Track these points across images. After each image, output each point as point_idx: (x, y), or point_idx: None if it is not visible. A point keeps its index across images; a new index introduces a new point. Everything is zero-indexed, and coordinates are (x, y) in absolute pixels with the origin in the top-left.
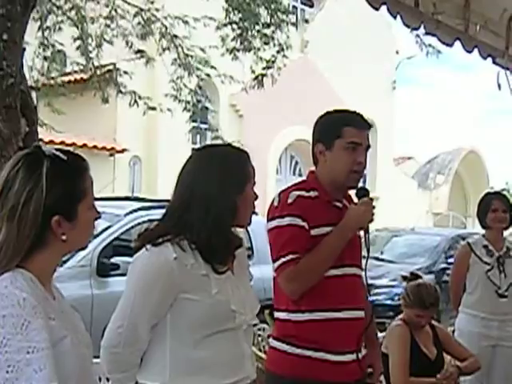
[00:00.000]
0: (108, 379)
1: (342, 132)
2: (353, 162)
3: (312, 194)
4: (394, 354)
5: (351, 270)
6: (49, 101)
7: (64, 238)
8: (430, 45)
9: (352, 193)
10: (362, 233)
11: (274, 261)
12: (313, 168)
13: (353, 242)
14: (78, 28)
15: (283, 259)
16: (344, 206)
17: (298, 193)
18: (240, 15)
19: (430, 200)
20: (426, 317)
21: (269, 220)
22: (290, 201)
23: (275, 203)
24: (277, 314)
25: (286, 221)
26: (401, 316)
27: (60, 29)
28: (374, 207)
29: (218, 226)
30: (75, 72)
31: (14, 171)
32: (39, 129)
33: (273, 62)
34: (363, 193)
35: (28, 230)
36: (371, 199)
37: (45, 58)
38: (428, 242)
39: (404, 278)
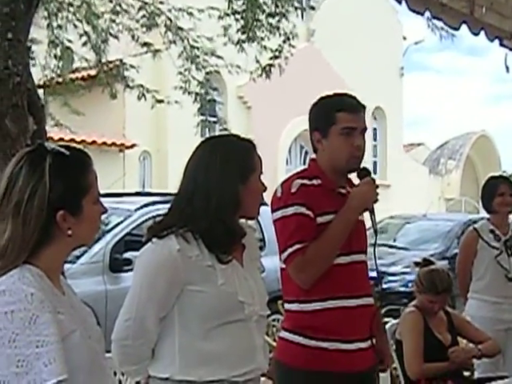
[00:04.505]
0: (123, 373)
1: (335, 118)
2: (350, 147)
3: (315, 181)
4: (407, 340)
5: (359, 257)
6: (66, 101)
7: (70, 232)
8: (442, 28)
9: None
10: (367, 214)
11: (281, 252)
12: (314, 156)
13: (358, 228)
14: (87, 23)
15: (290, 249)
16: (348, 192)
17: (301, 181)
18: (243, 6)
19: (441, 186)
20: (438, 302)
21: (273, 211)
22: (293, 190)
23: (278, 194)
24: (287, 306)
25: (291, 210)
26: (414, 302)
27: (75, 26)
28: (377, 187)
29: (219, 215)
30: (83, 69)
31: (17, 168)
32: (52, 127)
33: (279, 51)
34: (364, 173)
35: (33, 226)
36: (373, 179)
37: (55, 57)
38: (441, 227)
39: (416, 264)
